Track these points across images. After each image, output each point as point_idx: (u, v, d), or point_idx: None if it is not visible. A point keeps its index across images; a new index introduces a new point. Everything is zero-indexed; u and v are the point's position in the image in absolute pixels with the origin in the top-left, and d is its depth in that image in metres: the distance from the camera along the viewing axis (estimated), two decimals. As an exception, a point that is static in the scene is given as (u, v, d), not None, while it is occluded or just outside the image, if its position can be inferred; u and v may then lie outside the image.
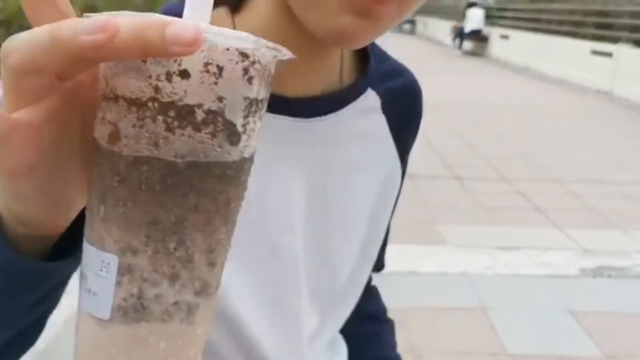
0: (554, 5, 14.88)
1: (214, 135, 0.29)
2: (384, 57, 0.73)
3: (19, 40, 0.28)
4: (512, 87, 10.38)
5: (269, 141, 0.59)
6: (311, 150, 0.62)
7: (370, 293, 0.87)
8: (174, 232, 0.30)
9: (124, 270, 0.30)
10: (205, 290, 0.32)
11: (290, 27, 0.55)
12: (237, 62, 0.29)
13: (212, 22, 0.31)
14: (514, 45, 14.65)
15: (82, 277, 0.32)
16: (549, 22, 13.82)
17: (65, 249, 0.38)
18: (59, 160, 0.32)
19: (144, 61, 0.28)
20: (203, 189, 0.30)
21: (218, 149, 0.30)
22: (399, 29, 26.24)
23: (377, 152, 0.70)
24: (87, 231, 0.32)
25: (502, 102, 8.45)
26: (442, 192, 4.29)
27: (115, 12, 0.28)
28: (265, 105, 0.33)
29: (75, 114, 0.32)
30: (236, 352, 0.64)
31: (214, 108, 0.29)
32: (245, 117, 0.30)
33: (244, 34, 0.30)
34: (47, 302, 0.41)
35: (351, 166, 0.67)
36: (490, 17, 17.08)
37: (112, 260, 0.30)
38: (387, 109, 0.69)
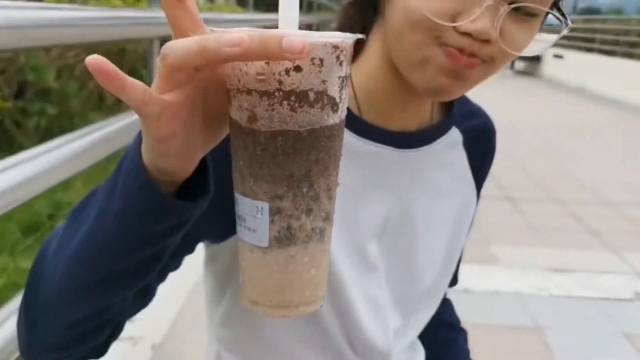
0: (608, 25, 14.66)
1: (322, 108, 0.42)
2: (464, 99, 0.86)
3: (175, 47, 0.40)
4: (565, 108, 10.28)
5: (372, 164, 0.73)
6: (405, 175, 0.76)
7: (445, 304, 1.00)
8: (305, 180, 0.43)
9: (274, 212, 0.44)
10: (328, 217, 0.46)
11: (395, 78, 0.69)
12: (331, 53, 0.41)
13: None
14: (567, 65, 14.47)
15: (240, 219, 0.46)
16: (604, 42, 13.61)
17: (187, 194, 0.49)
18: (190, 126, 0.45)
19: (267, 63, 0.41)
20: (320, 147, 0.43)
21: (326, 117, 0.42)
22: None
23: (457, 181, 0.83)
24: (239, 187, 0.45)
25: (555, 123, 8.40)
26: (494, 213, 4.34)
27: (240, 29, 0.39)
28: (349, 77, 0.47)
29: (200, 93, 0.45)
30: (339, 333, 0.76)
31: (320, 89, 0.41)
32: (340, 90, 0.43)
33: (331, 33, 0.42)
34: (166, 239, 0.49)
35: (436, 191, 0.80)
36: (543, 37, 16.90)
37: (265, 206, 0.44)
38: (467, 144, 0.83)
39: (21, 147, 2.74)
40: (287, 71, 0.40)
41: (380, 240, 0.77)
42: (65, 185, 2.35)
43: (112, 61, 0.41)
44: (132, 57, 3.56)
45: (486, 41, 0.60)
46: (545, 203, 4.62)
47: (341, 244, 0.73)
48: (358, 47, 0.72)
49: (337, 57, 0.42)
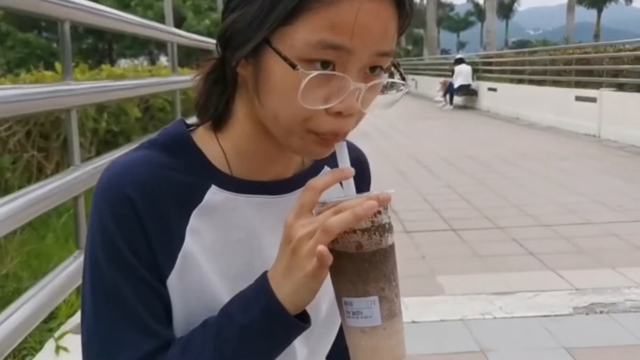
0: (537, 56, 15.42)
1: (390, 232, 0.69)
2: None
3: (334, 222, 0.65)
4: (503, 137, 10.70)
5: (257, 214, 0.81)
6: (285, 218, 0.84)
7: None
8: (392, 274, 0.69)
9: (381, 300, 0.67)
10: (400, 299, 0.70)
11: (266, 139, 0.78)
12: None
13: (198, 141, 0.76)
14: (501, 97, 15.10)
15: (356, 314, 0.68)
16: (533, 72, 14.29)
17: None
18: None
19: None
20: (393, 254, 0.69)
21: (391, 237, 0.69)
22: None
23: None
24: (352, 292, 0.68)
25: (494, 153, 8.73)
26: (439, 244, 4.48)
27: (343, 198, 0.69)
28: None
29: None
30: None
31: (389, 222, 0.69)
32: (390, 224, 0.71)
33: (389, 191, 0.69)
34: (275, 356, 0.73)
35: None
36: (477, 72, 17.64)
37: (375, 298, 0.67)
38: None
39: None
40: (375, 214, 0.67)
41: None
42: None
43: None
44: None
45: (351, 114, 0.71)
46: (488, 231, 4.79)
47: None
48: (224, 115, 0.81)
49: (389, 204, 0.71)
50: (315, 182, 0.69)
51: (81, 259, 1.55)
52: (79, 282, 1.48)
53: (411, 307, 3.22)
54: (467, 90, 16.95)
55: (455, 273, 3.82)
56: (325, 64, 0.69)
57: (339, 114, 0.71)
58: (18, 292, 1.96)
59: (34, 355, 1.50)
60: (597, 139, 9.96)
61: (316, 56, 0.68)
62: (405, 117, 12.72)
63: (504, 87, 15.30)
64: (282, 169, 0.83)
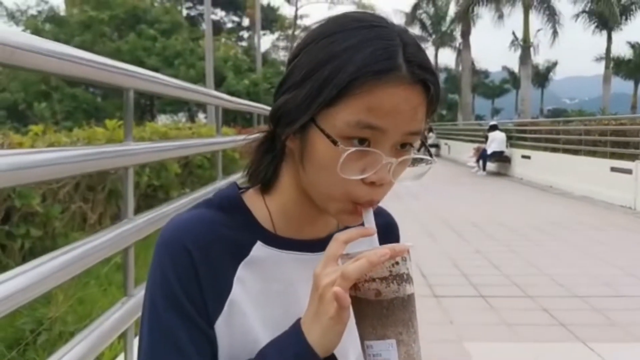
0: (572, 126, 15.43)
1: (409, 282, 0.76)
2: None
3: (352, 269, 0.74)
4: (535, 205, 10.64)
5: (296, 269, 0.91)
6: None
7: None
8: (410, 321, 0.76)
9: (399, 343, 0.75)
10: (419, 344, 0.77)
11: (307, 204, 0.89)
12: (408, 252, 0.78)
13: (248, 202, 0.89)
14: (535, 165, 15.06)
15: (375, 356, 0.75)
16: (568, 142, 14.28)
17: None
18: None
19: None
20: (412, 302, 0.76)
21: (410, 287, 0.76)
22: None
23: None
24: (372, 336, 0.76)
25: (525, 220, 8.68)
26: (467, 310, 4.47)
27: (361, 251, 0.77)
28: None
29: None
30: None
31: (407, 272, 0.76)
32: (409, 275, 0.77)
33: (406, 243, 0.80)
34: None
35: None
36: (511, 139, 17.68)
37: (393, 342, 0.75)
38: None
39: (5, 268, 2.86)
40: (393, 265, 0.76)
41: None
42: (46, 300, 2.47)
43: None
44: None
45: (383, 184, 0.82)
46: (518, 299, 4.76)
47: None
48: (272, 180, 0.92)
49: (409, 253, 0.78)
50: (340, 235, 0.79)
51: (128, 304, 1.66)
52: (125, 327, 1.58)
53: (437, 373, 3.23)
54: (500, 157, 16.96)
55: (483, 340, 3.80)
56: (362, 141, 0.80)
57: (372, 184, 0.82)
58: (64, 335, 2.06)
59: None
60: (633, 211, 9.83)
61: (354, 134, 0.80)
62: (438, 181, 12.77)
63: (537, 155, 15.28)
64: (320, 230, 0.94)
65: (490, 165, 17.29)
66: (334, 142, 0.79)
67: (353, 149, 0.79)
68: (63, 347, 1.21)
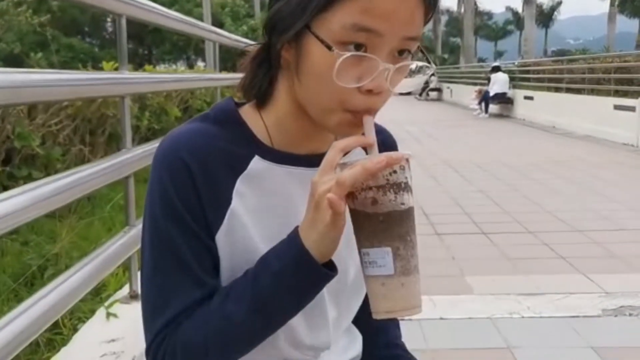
0: (575, 65, 15.23)
1: (408, 192, 0.75)
2: None
3: (346, 176, 0.73)
4: (538, 145, 10.61)
5: (294, 183, 0.91)
6: None
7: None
8: (407, 235, 0.75)
9: (395, 256, 0.74)
10: (417, 259, 0.76)
11: (303, 118, 0.88)
12: (407, 160, 0.76)
13: (244, 116, 0.88)
14: (538, 105, 14.95)
15: (372, 264, 0.75)
16: (571, 81, 14.12)
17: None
18: None
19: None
20: (411, 216, 0.75)
21: (409, 199, 0.75)
22: (426, 97, 26.83)
23: None
24: (368, 244, 0.75)
25: (528, 160, 8.68)
26: (469, 246, 4.51)
27: (359, 159, 0.76)
28: None
29: None
30: (285, 343, 0.92)
31: (405, 181, 0.75)
32: (410, 182, 0.76)
33: (404, 152, 0.78)
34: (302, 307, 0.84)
35: None
36: (514, 80, 17.49)
37: (389, 249, 0.74)
38: None
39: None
40: (390, 173, 0.74)
41: None
42: (52, 238, 2.50)
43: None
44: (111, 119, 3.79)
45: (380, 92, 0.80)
46: (519, 235, 4.81)
47: None
48: (267, 94, 0.91)
49: (408, 163, 0.76)
50: (338, 142, 0.78)
51: (130, 234, 1.68)
52: (127, 255, 1.61)
53: (439, 305, 3.28)
54: (503, 99, 16.83)
55: (485, 274, 3.85)
56: (358, 47, 0.78)
57: (369, 91, 0.80)
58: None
59: (85, 322, 1.61)
60: (635, 148, 9.81)
61: (350, 39, 0.78)
62: (440, 125, 12.73)
63: (540, 96, 15.15)
64: (318, 144, 0.93)
65: (493, 107, 17.17)
66: (329, 48, 0.77)
67: (349, 53, 0.77)
68: (67, 272, 1.23)
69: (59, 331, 1.68)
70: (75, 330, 1.57)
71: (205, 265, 0.86)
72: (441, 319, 3.11)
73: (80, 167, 1.29)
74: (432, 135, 11.23)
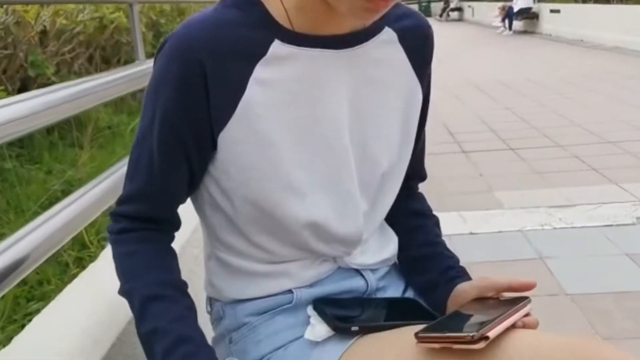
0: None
1: None
2: (397, 3, 0.96)
3: None
4: (565, 60, 10.27)
5: (316, 67, 0.84)
6: (345, 72, 0.86)
7: (416, 196, 1.10)
8: None
9: None
10: None
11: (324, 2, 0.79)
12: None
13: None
14: (565, 18, 14.40)
15: None
16: (599, -9, 13.51)
17: None
18: None
19: None
20: None
21: None
22: (447, 18, 26.04)
23: (399, 75, 0.93)
24: None
25: (556, 75, 8.42)
26: (497, 163, 4.43)
27: None
28: None
29: None
30: (312, 236, 0.87)
31: None
32: None
33: None
34: None
35: (379, 84, 0.90)
36: (539, -7, 16.82)
37: None
38: (404, 42, 0.92)
39: (30, 137, 2.87)
40: None
41: (343, 134, 0.87)
42: (75, 166, 2.49)
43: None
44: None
45: None
46: (548, 149, 4.69)
47: (317, 144, 0.84)
48: None
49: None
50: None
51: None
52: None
53: (469, 220, 3.24)
54: (527, 14, 16.23)
55: (514, 189, 3.79)
56: None
57: None
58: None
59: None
60: (668, 58, 9.45)
61: None
62: (462, 45, 12.37)
63: (567, 8, 14.55)
64: (340, 26, 0.85)
65: (517, 24, 16.60)
66: None
67: None
68: (91, 182, 1.20)
69: (88, 251, 1.70)
70: (102, 248, 1.56)
71: (177, 178, 0.85)
72: (471, 233, 3.07)
73: (92, 76, 1.23)
74: (454, 55, 10.93)
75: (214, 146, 0.82)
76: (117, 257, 0.87)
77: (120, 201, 0.88)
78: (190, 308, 0.83)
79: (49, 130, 2.92)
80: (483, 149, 4.82)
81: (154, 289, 0.81)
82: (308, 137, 0.84)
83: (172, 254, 0.89)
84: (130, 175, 0.87)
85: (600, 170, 3.98)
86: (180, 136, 0.81)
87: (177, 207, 0.90)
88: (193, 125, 0.81)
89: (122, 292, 0.84)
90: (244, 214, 0.86)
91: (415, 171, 1.05)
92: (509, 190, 3.77)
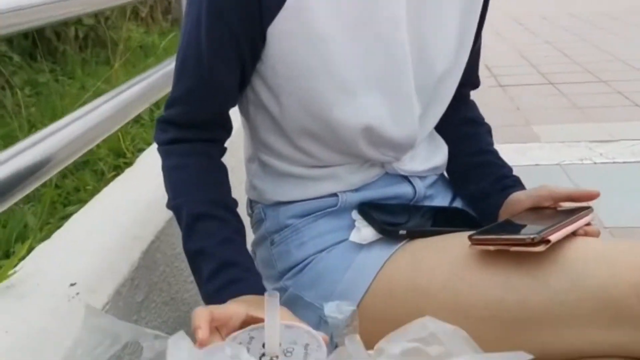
0: None
1: None
2: None
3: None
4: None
5: None
6: None
7: (468, 104, 1.04)
8: None
9: None
10: None
11: None
12: None
13: None
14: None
15: None
16: None
17: None
18: None
19: None
20: None
21: None
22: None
23: None
24: None
25: (598, 10, 8.05)
26: (536, 97, 4.28)
27: None
28: None
29: None
30: (364, 140, 0.83)
31: None
32: None
33: None
34: None
35: None
36: None
37: None
38: None
39: (63, 53, 2.85)
40: None
41: (401, 31, 0.81)
42: (108, 82, 2.46)
43: None
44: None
45: None
46: (590, 84, 4.52)
47: (372, 42, 0.78)
48: None
49: None
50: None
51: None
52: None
53: (505, 153, 3.06)
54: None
55: (553, 123, 3.67)
56: None
57: None
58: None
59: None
60: None
61: None
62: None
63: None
64: None
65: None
66: None
67: None
68: (120, 86, 1.17)
69: (124, 159, 1.70)
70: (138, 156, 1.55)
71: (227, 74, 0.80)
72: (507, 166, 2.99)
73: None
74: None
75: (263, 40, 0.77)
76: (166, 169, 0.83)
77: (168, 105, 0.84)
78: (238, 231, 0.79)
79: (80, 46, 2.89)
80: (521, 83, 4.66)
81: (203, 207, 0.77)
82: (363, 34, 0.78)
83: (223, 170, 0.85)
84: (177, 77, 0.82)
85: (644, 106, 3.83)
86: (229, 26, 0.76)
87: (228, 107, 0.85)
88: (243, 16, 0.75)
89: (171, 206, 0.81)
90: (290, 115, 0.82)
91: (469, 77, 0.99)
92: (547, 124, 3.65)
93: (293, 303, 0.84)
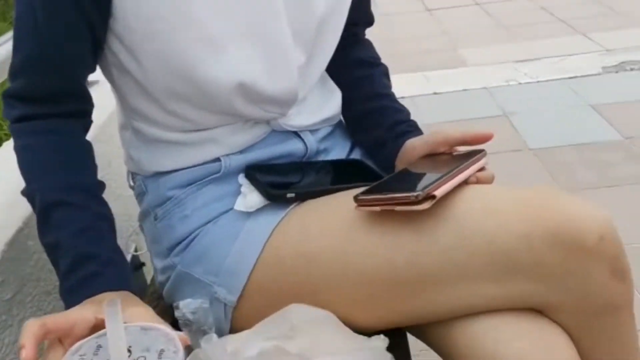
0: None
1: None
2: None
3: None
4: None
5: None
6: None
7: (361, 44, 0.97)
8: None
9: None
10: None
11: None
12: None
13: None
14: None
15: None
16: None
17: None
18: None
19: None
20: None
21: None
22: None
23: None
24: None
25: None
26: (462, 19, 4.24)
27: None
28: None
29: None
30: (239, 98, 0.75)
31: None
32: None
33: None
34: None
35: None
36: None
37: None
38: None
39: None
40: None
41: None
42: None
43: None
44: None
45: None
46: (515, 2, 4.49)
47: None
48: None
49: None
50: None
51: None
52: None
53: (432, 80, 3.13)
54: None
55: (479, 45, 3.64)
56: None
57: None
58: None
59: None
60: None
61: None
62: None
63: None
64: None
65: None
66: None
67: None
68: None
69: None
70: None
71: (71, 35, 0.70)
72: (434, 93, 2.97)
73: None
74: None
75: None
76: (17, 151, 0.73)
77: (10, 76, 0.73)
78: (99, 216, 0.70)
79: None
80: (447, 5, 4.59)
81: (57, 194, 0.68)
82: None
83: (84, 147, 0.75)
84: (15, 45, 0.71)
85: (568, 21, 3.84)
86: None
87: (82, 76, 0.75)
88: None
89: (24, 193, 0.71)
90: (154, 76, 0.73)
91: (360, 14, 0.91)
92: (474, 47, 3.63)
93: (183, 281, 0.78)
